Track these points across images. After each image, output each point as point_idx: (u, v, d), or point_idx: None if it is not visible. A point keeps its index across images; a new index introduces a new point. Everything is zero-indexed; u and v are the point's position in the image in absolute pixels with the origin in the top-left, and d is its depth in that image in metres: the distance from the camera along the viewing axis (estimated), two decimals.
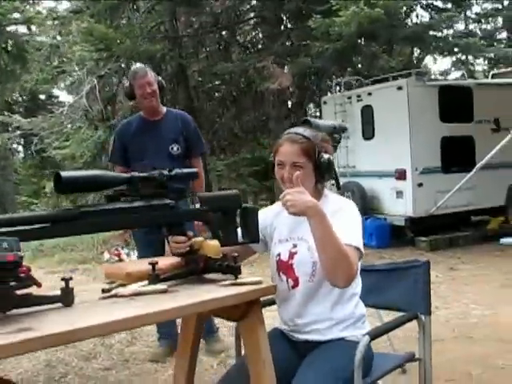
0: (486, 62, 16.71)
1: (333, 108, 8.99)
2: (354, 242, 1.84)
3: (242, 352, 2.30)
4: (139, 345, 3.89)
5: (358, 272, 2.00)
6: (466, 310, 4.41)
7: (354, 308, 1.99)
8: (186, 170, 1.87)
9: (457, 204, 8.00)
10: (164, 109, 3.74)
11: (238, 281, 1.79)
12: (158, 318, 1.58)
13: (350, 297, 1.98)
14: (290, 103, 12.04)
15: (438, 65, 27.36)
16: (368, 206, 8.35)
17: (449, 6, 10.88)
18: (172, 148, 3.60)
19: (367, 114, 8.62)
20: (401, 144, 7.95)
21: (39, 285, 1.48)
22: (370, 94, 8.62)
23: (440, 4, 10.69)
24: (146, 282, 1.76)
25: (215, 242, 1.86)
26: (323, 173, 1.97)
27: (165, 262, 1.89)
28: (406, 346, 2.97)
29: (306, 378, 1.82)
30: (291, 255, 1.99)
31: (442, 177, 8.00)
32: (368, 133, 8.55)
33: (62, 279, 1.56)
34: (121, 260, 7.71)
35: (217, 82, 11.68)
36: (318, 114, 14.66)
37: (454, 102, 8.13)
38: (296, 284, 1.98)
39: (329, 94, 11.70)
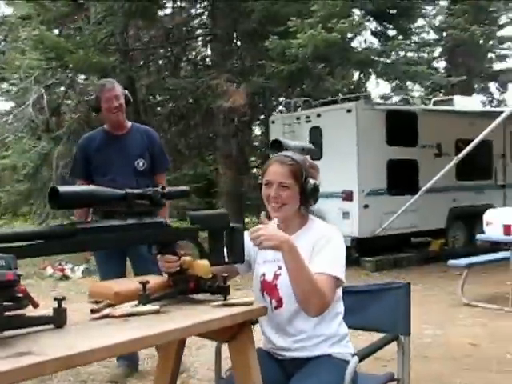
0: (423, 88, 17.41)
1: (281, 128, 9.08)
2: (333, 271, 1.87)
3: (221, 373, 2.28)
4: (96, 365, 3.75)
5: (340, 293, 2.03)
6: (419, 330, 4.52)
7: (338, 326, 2.02)
8: (179, 188, 1.84)
9: (401, 226, 8.24)
10: (129, 123, 3.66)
11: (230, 301, 1.77)
12: (160, 340, 1.53)
13: (334, 315, 2.01)
14: (236, 121, 12.11)
15: (378, 89, 28.40)
16: None
17: (394, 33, 11.31)
18: (138, 163, 3.53)
19: (315, 134, 8.75)
20: (348, 165, 8.13)
21: (36, 305, 1.41)
22: (319, 115, 8.78)
23: (388, 31, 11.10)
24: (135, 302, 1.71)
25: (205, 262, 1.83)
26: (308, 197, 2.00)
27: (152, 281, 1.84)
28: (370, 366, 2.99)
29: None
30: (276, 276, 2.00)
31: (388, 199, 8.23)
32: (316, 153, 8.66)
33: (55, 299, 1.49)
34: (65, 275, 7.46)
35: (166, 97, 11.59)
36: (260, 133, 14.83)
37: (400, 127, 8.42)
38: (279, 305, 1.98)
39: (274, 113, 11.86)
